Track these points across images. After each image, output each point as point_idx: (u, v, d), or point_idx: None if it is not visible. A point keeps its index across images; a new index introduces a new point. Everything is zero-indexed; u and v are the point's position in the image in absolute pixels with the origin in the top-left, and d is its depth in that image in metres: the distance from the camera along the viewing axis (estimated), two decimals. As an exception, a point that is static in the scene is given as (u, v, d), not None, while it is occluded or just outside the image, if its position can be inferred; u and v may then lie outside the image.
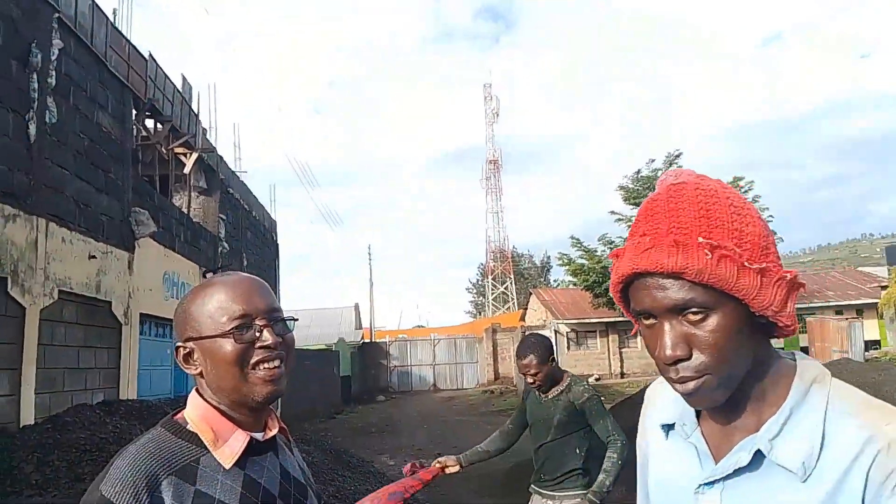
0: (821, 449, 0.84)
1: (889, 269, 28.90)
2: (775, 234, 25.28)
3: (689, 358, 0.86)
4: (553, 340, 27.60)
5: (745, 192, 25.39)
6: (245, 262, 16.51)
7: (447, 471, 3.20)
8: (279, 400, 1.19)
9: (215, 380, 1.14)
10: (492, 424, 3.67)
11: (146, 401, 9.54)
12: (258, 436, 1.18)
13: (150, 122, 12.95)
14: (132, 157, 10.70)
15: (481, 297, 62.64)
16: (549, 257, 62.81)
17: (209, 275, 13.36)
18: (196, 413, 1.15)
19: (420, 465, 2.89)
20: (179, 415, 1.18)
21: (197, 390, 1.19)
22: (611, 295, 0.99)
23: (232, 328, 1.12)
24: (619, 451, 3.13)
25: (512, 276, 57.38)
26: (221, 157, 15.84)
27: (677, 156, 25.63)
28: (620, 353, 28.64)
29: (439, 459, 3.21)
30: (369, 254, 43.61)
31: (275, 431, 1.22)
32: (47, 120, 7.92)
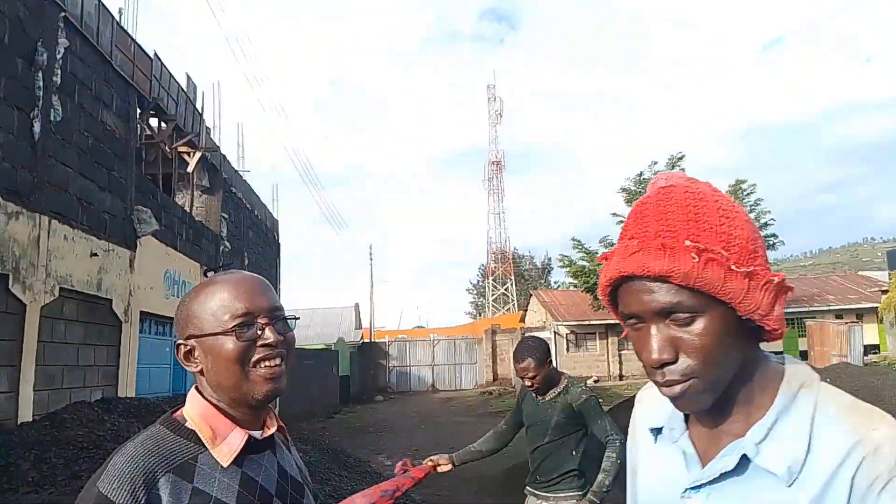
0: (807, 453, 0.84)
1: (890, 274, 28.80)
2: (776, 237, 25.38)
3: (676, 361, 0.86)
4: (552, 342, 27.61)
5: (748, 195, 25.40)
6: (246, 262, 16.52)
7: (439, 469, 3.20)
8: (277, 399, 1.21)
9: (216, 377, 1.14)
10: (489, 426, 3.69)
11: (144, 399, 9.56)
12: (256, 434, 1.18)
13: (154, 121, 12.98)
14: (136, 156, 10.73)
15: (481, 298, 62.58)
16: (549, 259, 62.82)
17: (210, 274, 13.35)
18: (195, 411, 1.15)
19: (412, 464, 2.91)
20: (178, 412, 1.18)
21: (196, 388, 1.19)
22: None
23: (234, 326, 1.12)
24: (617, 451, 3.13)
25: (512, 278, 57.32)
26: (224, 157, 15.86)
27: (680, 158, 25.62)
28: (620, 356, 28.59)
29: (431, 458, 3.21)
30: (370, 254, 43.62)
31: (273, 430, 1.22)
32: (52, 118, 7.95)
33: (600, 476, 3.11)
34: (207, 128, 14.94)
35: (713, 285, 0.83)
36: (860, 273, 37.15)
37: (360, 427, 18.08)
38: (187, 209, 13.69)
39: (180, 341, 1.18)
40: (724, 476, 0.89)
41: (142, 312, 10.61)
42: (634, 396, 1.20)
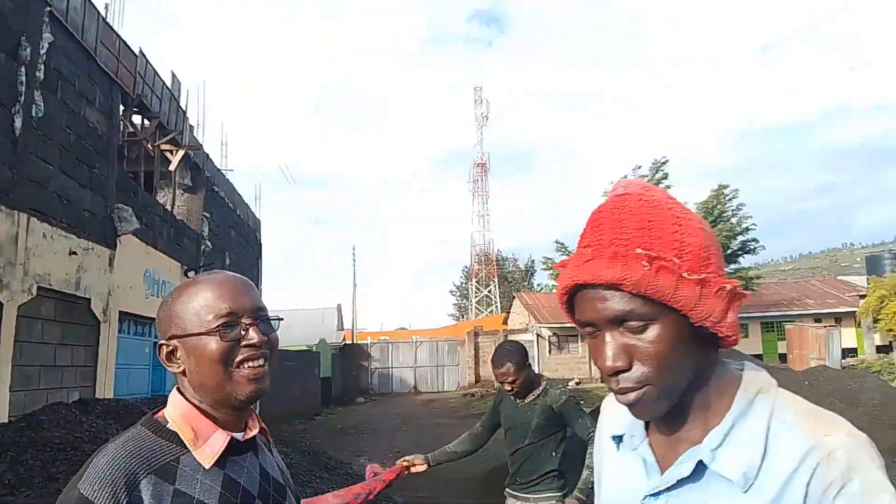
0: (763, 459, 0.84)
1: (868, 279, 29.25)
2: (757, 241, 25.64)
3: (631, 369, 0.87)
4: (535, 344, 27.71)
5: (730, 199, 25.64)
6: (228, 261, 16.41)
7: (414, 469, 3.20)
8: (258, 400, 1.20)
9: (199, 378, 1.14)
10: (471, 428, 3.71)
11: (123, 400, 9.45)
12: (238, 436, 1.17)
13: (137, 119, 12.87)
14: (118, 153, 10.63)
15: (465, 300, 62.60)
16: (533, 261, 63.03)
17: (191, 273, 13.28)
18: (177, 412, 1.14)
19: (382, 468, 2.90)
20: (160, 413, 1.17)
21: (178, 389, 1.18)
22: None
23: (218, 326, 1.12)
24: None
25: (496, 280, 57.41)
26: (208, 155, 15.76)
27: (664, 163, 25.85)
28: (602, 359, 28.68)
29: (406, 458, 3.22)
30: (353, 255, 43.40)
31: (255, 431, 1.21)
32: (34, 114, 7.86)
33: (585, 472, 3.12)
34: (191, 126, 14.83)
35: (664, 293, 0.84)
36: (839, 278, 37.68)
37: (342, 429, 18.02)
38: (169, 208, 13.58)
39: (162, 341, 1.17)
40: (681, 482, 0.90)
41: (121, 312, 10.51)
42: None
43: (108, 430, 6.93)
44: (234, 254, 17.40)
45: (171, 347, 1.16)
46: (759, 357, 24.40)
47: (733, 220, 25.37)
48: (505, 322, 35.06)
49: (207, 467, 1.10)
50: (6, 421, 7.01)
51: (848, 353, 25.27)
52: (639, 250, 0.84)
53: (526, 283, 60.61)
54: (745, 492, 0.84)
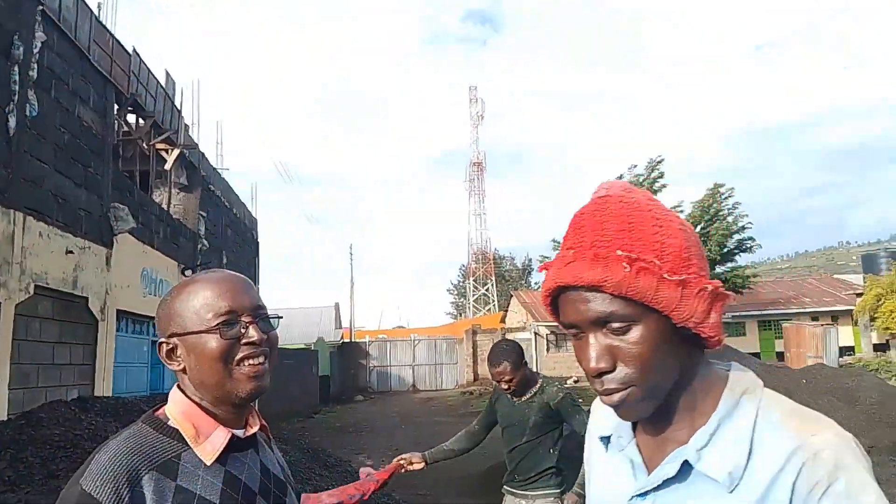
0: (748, 459, 0.84)
1: (865, 277, 29.33)
2: (753, 240, 25.63)
3: (614, 370, 0.87)
4: (533, 343, 27.75)
5: (725, 198, 25.66)
6: (224, 260, 16.40)
7: (412, 467, 3.21)
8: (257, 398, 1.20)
9: (199, 376, 1.14)
10: (468, 426, 3.74)
11: (121, 398, 9.43)
12: (239, 433, 1.18)
13: (132, 118, 12.85)
14: (113, 152, 10.61)
15: (462, 299, 62.63)
16: (530, 260, 63.12)
17: (188, 272, 13.27)
18: (177, 409, 1.15)
19: (374, 470, 2.91)
20: (160, 410, 1.17)
21: (178, 386, 1.19)
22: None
23: (218, 324, 1.12)
24: None
25: (493, 278, 57.44)
26: (203, 154, 15.74)
27: (659, 161, 25.85)
28: (599, 357, 28.73)
29: (403, 456, 3.22)
30: (350, 253, 43.42)
31: (256, 428, 1.22)
32: (28, 113, 7.84)
33: (585, 467, 3.12)
34: (186, 125, 14.82)
35: (645, 294, 0.84)
36: (836, 276, 37.82)
37: (341, 427, 18.03)
38: (165, 207, 13.57)
39: (162, 339, 1.18)
40: (667, 483, 0.90)
41: (118, 311, 10.50)
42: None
43: (108, 428, 6.93)
44: (230, 252, 17.39)
45: (171, 345, 1.16)
46: (756, 356, 24.45)
47: (729, 219, 25.40)
48: (503, 320, 35.11)
49: (209, 464, 1.11)
50: (5, 419, 7.01)
51: (845, 351, 25.35)
52: (619, 252, 0.85)
53: (523, 282, 60.65)
54: (731, 492, 0.84)
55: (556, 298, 0.93)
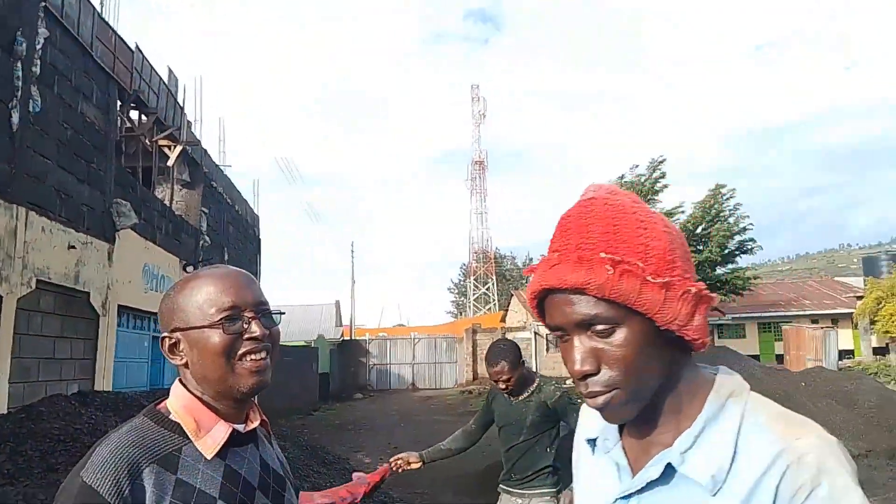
0: (732, 462, 0.84)
1: (865, 280, 29.29)
2: (754, 241, 25.54)
3: (599, 373, 0.87)
4: (533, 342, 27.75)
5: (727, 199, 25.61)
6: (226, 257, 16.43)
7: (409, 467, 3.23)
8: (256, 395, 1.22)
9: (201, 370, 1.15)
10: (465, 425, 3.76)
11: (122, 393, 9.46)
12: (240, 427, 1.19)
13: (134, 114, 12.87)
14: (115, 149, 10.63)
15: (463, 298, 62.60)
16: (531, 259, 62.97)
17: (189, 268, 13.29)
18: (179, 403, 1.16)
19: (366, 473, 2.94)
20: (162, 404, 1.18)
21: (180, 381, 1.19)
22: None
23: (221, 319, 1.13)
24: None
25: (494, 277, 57.40)
26: (206, 151, 15.76)
27: (661, 161, 25.73)
28: (599, 357, 28.69)
29: (400, 455, 3.24)
30: (352, 251, 43.38)
31: (256, 423, 1.23)
32: (31, 109, 7.86)
33: (573, 470, 3.14)
34: (189, 122, 14.83)
35: (628, 297, 0.84)
36: (836, 279, 37.74)
37: (340, 424, 18.02)
38: (167, 203, 13.59)
39: (165, 334, 1.19)
40: (651, 485, 0.90)
41: (120, 306, 10.52)
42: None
43: (108, 423, 6.95)
44: (232, 249, 17.41)
45: (173, 340, 1.17)
46: (755, 357, 24.40)
47: (730, 220, 25.34)
48: (503, 320, 35.08)
49: (209, 458, 1.12)
50: (5, 412, 7.03)
51: (844, 354, 25.32)
52: (603, 254, 0.85)
53: (524, 281, 60.58)
54: (714, 495, 0.84)
55: (542, 301, 0.94)
